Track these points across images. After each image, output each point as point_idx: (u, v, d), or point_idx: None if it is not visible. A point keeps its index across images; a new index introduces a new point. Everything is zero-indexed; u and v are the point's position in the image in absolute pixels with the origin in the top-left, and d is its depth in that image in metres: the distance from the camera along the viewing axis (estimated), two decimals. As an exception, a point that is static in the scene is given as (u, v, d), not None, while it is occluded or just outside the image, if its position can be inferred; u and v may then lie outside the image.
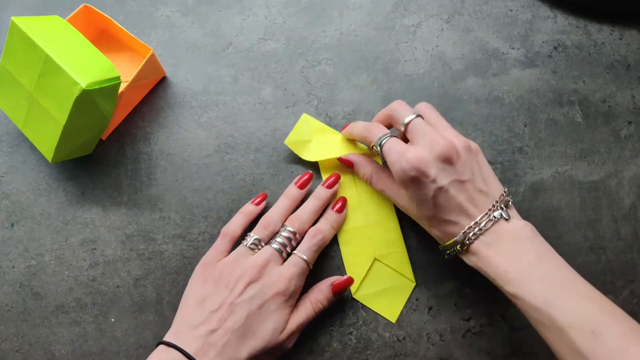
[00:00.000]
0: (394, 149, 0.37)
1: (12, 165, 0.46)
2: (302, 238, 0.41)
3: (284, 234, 0.40)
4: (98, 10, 0.44)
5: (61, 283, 0.43)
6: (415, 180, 0.35)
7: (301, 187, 0.43)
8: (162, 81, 0.48)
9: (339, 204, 0.43)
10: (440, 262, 0.43)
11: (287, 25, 0.49)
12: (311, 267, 0.40)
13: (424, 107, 0.39)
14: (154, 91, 0.47)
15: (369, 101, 0.47)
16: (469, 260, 0.36)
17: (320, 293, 0.40)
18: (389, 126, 0.41)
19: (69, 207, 0.45)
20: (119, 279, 0.43)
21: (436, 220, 0.37)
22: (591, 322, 0.30)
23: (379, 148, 0.38)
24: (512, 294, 0.33)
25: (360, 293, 0.42)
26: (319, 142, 0.45)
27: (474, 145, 0.38)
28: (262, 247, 0.40)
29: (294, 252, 0.40)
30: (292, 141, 0.45)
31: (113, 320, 0.43)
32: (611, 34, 0.49)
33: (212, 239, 0.44)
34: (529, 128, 0.46)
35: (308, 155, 0.44)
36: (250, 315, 0.36)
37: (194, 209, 0.45)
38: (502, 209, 0.35)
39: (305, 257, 0.39)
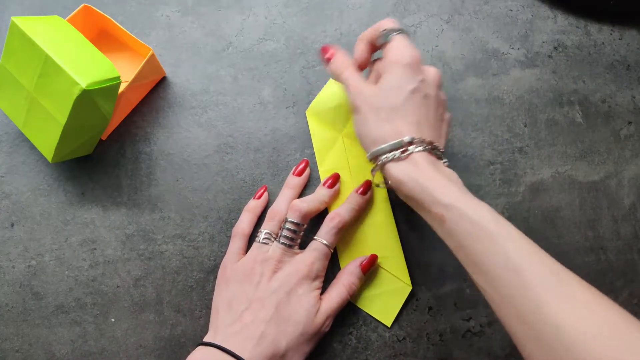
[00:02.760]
0: (405, 40, 0.37)
1: (12, 165, 0.46)
2: (306, 223, 0.41)
3: (287, 226, 0.40)
4: (98, 10, 0.44)
5: (61, 283, 0.43)
6: (409, 66, 0.36)
7: (299, 174, 0.43)
8: (162, 81, 0.48)
9: (362, 188, 0.43)
10: (440, 262, 0.43)
11: (287, 25, 0.49)
12: (332, 250, 0.41)
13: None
14: (154, 91, 0.47)
15: (369, 101, 0.47)
16: (399, 168, 0.35)
17: (351, 275, 0.41)
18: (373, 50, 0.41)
19: (69, 207, 0.45)
20: (119, 279, 0.43)
21: (391, 114, 0.36)
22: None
23: (390, 35, 0.38)
24: (446, 205, 0.32)
25: (356, 296, 0.42)
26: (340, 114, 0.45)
27: (445, 97, 0.39)
28: (274, 238, 0.40)
29: (315, 237, 0.40)
30: (314, 112, 0.45)
31: (113, 320, 0.43)
32: (611, 34, 0.49)
33: (212, 239, 0.44)
34: (529, 128, 0.46)
35: (328, 132, 0.45)
36: (280, 305, 0.37)
37: (194, 209, 0.45)
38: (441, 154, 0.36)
39: (324, 241, 0.40)
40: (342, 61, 0.40)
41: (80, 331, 0.42)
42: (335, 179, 0.43)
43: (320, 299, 0.39)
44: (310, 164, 0.45)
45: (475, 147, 0.46)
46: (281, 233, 0.40)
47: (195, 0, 0.50)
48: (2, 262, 0.44)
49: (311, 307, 0.38)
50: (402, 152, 0.35)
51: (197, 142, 0.46)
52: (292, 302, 0.37)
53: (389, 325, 0.42)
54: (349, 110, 0.44)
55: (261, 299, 0.37)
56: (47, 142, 0.41)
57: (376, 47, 0.40)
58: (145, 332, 0.42)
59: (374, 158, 0.36)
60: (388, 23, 0.38)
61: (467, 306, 0.42)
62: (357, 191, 0.42)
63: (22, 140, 0.46)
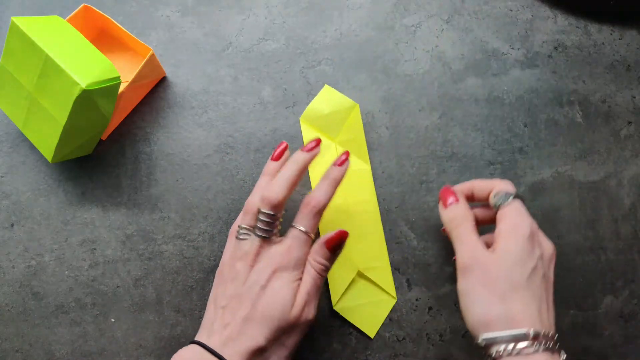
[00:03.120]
0: (522, 208, 0.36)
1: (12, 165, 0.46)
2: (281, 213, 0.38)
3: (261, 217, 0.37)
4: (98, 10, 0.44)
5: (61, 283, 0.43)
6: (530, 239, 0.34)
7: (277, 159, 0.40)
8: (162, 81, 0.48)
9: (342, 157, 0.40)
10: (439, 262, 0.43)
11: (287, 25, 0.49)
12: (312, 236, 0.38)
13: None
14: (154, 91, 0.47)
15: (369, 101, 0.47)
16: None
17: (316, 254, 0.38)
18: (471, 199, 0.40)
19: (69, 207, 0.45)
20: (119, 279, 0.43)
21: (509, 292, 0.32)
22: None
23: (509, 199, 0.36)
24: None
25: (341, 305, 0.42)
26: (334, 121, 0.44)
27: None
28: (252, 232, 0.38)
29: (292, 224, 0.38)
30: (308, 118, 0.44)
31: (113, 320, 0.43)
32: (611, 34, 0.49)
33: (212, 239, 0.44)
34: (529, 128, 0.46)
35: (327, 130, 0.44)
36: (255, 300, 0.36)
37: (194, 209, 0.45)
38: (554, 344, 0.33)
39: (302, 228, 0.37)
40: (463, 212, 0.37)
41: (80, 331, 0.42)
42: (317, 143, 0.40)
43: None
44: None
45: (475, 147, 0.46)
46: (257, 225, 0.38)
47: (195, 0, 0.50)
48: (2, 262, 0.44)
49: (287, 301, 0.36)
50: (525, 347, 0.31)
51: (197, 142, 0.46)
52: (267, 296, 0.36)
53: (372, 337, 0.42)
54: (343, 118, 0.44)
55: (239, 295, 0.36)
56: (47, 142, 0.41)
57: (476, 200, 0.39)
58: (145, 332, 0.42)
59: (487, 346, 0.32)
60: (506, 186, 0.37)
61: (467, 306, 0.42)
62: (335, 163, 0.39)
63: (22, 140, 0.46)
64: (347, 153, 0.40)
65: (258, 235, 0.37)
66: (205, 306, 0.40)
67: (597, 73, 0.48)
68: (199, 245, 0.44)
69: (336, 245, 0.38)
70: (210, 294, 0.39)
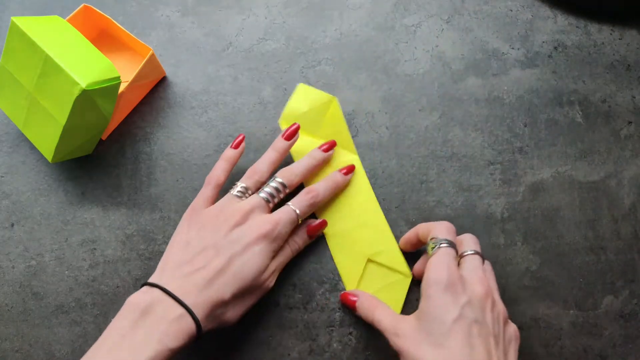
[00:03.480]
0: (451, 255, 0.35)
1: (12, 165, 0.46)
2: (291, 193, 0.41)
3: (273, 184, 0.40)
4: (98, 10, 0.44)
5: (61, 283, 0.43)
6: (449, 288, 0.32)
7: (288, 138, 0.42)
8: (162, 81, 0.48)
9: (346, 169, 0.43)
10: (440, 262, 0.43)
11: (287, 25, 0.49)
12: (300, 221, 0.40)
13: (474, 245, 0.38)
14: (154, 91, 0.47)
15: (369, 101, 0.47)
16: None
17: (297, 236, 0.41)
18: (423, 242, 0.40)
19: (69, 207, 0.45)
20: (119, 279, 0.43)
21: (438, 352, 0.32)
22: None
23: (444, 244, 0.35)
24: None
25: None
26: (315, 119, 0.44)
27: (516, 332, 0.35)
28: (249, 195, 0.40)
29: (288, 203, 0.40)
30: (288, 120, 0.44)
31: (113, 320, 0.43)
32: (611, 34, 0.49)
33: (212, 239, 0.44)
34: (529, 128, 0.46)
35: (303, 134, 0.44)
36: (233, 256, 0.36)
37: (194, 209, 0.45)
38: None
39: (296, 209, 0.39)
40: (368, 303, 0.38)
41: (80, 331, 0.42)
42: (331, 145, 0.43)
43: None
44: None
45: (475, 147, 0.46)
46: (264, 188, 0.40)
47: (195, 0, 0.50)
48: (2, 262, 0.44)
49: (262, 267, 0.37)
50: None
51: (197, 142, 0.46)
52: (245, 257, 0.37)
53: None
54: (322, 113, 0.44)
55: (217, 246, 0.37)
56: (47, 142, 0.41)
57: (422, 243, 0.39)
58: (145, 332, 0.42)
59: None
60: (442, 231, 0.36)
61: (467, 306, 0.42)
62: (340, 171, 0.43)
63: (22, 140, 0.46)
64: (352, 166, 0.44)
65: (262, 196, 0.39)
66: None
67: (597, 73, 0.48)
68: (199, 245, 0.44)
69: (316, 232, 0.42)
70: (178, 235, 0.39)
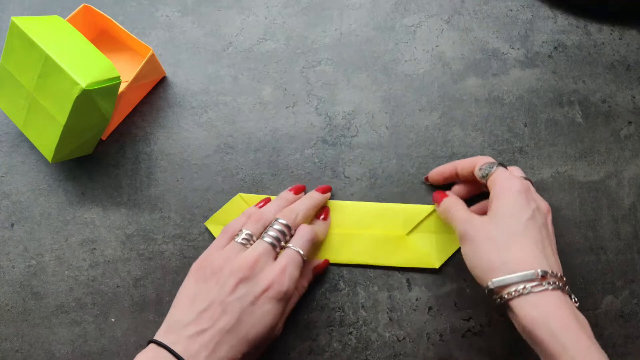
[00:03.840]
0: (507, 172, 0.38)
1: (12, 165, 0.46)
2: (294, 231, 0.40)
3: (276, 226, 0.38)
4: (98, 10, 0.44)
5: (61, 283, 0.43)
6: (523, 193, 0.36)
7: (295, 192, 0.43)
8: (162, 81, 0.48)
9: (324, 214, 0.44)
10: (440, 262, 0.43)
11: (287, 25, 0.49)
12: (305, 259, 0.38)
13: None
14: (154, 91, 0.47)
15: (369, 101, 0.47)
16: (534, 307, 0.32)
17: (304, 279, 0.41)
18: (454, 177, 0.43)
19: (69, 207, 0.45)
20: (119, 279, 0.43)
21: (510, 242, 0.34)
22: None
23: (494, 168, 0.38)
24: None
25: (414, 234, 0.43)
26: None
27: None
28: (254, 241, 0.38)
29: (288, 245, 0.38)
30: (215, 223, 0.44)
31: (113, 320, 0.43)
32: (611, 34, 0.49)
33: (212, 239, 0.44)
34: (529, 128, 0.46)
35: None
36: (242, 315, 0.35)
37: (194, 209, 0.45)
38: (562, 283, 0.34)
39: (299, 249, 0.38)
40: (454, 200, 0.40)
41: (80, 331, 0.42)
42: (327, 189, 0.44)
43: None
44: None
45: (475, 147, 0.46)
46: (267, 232, 0.38)
47: (195, 0, 0.50)
48: (2, 262, 0.44)
49: (273, 323, 0.36)
50: (535, 286, 0.32)
51: (197, 142, 0.46)
52: (255, 314, 0.35)
53: (437, 267, 0.42)
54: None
55: (223, 303, 0.35)
56: (47, 142, 0.41)
57: (460, 178, 0.42)
58: (145, 332, 0.42)
59: (498, 290, 0.33)
60: (488, 158, 0.40)
61: (467, 306, 0.42)
62: (317, 190, 0.43)
63: (22, 140, 0.46)
64: (328, 186, 0.44)
65: (267, 241, 0.37)
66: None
67: (597, 73, 0.48)
68: (199, 245, 0.44)
69: (321, 272, 0.43)
70: (185, 288, 0.37)
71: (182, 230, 0.44)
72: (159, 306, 0.43)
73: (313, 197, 0.42)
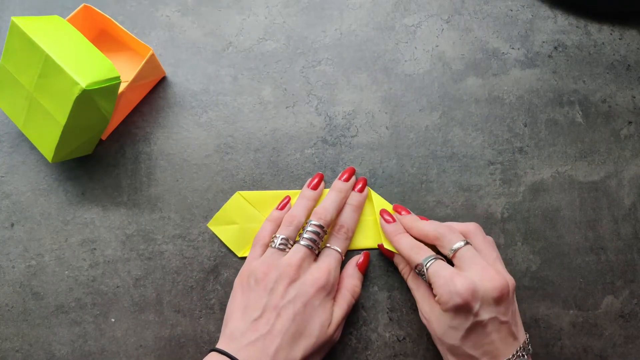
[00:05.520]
0: (441, 272, 0.36)
1: (12, 165, 0.46)
2: (328, 229, 0.41)
3: (310, 228, 0.40)
4: (98, 10, 0.44)
5: (61, 283, 0.43)
6: (458, 309, 0.34)
7: (314, 188, 0.43)
8: (162, 81, 0.48)
9: (360, 184, 0.44)
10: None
11: (287, 25, 0.49)
12: (344, 257, 0.41)
13: (473, 229, 0.39)
14: (154, 91, 0.47)
15: (369, 101, 0.47)
16: None
17: (352, 278, 0.41)
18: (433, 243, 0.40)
19: (69, 207, 0.45)
20: (119, 279, 0.43)
21: (459, 351, 0.35)
22: None
23: (425, 269, 0.37)
24: None
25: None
26: (247, 229, 0.44)
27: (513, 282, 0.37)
28: (291, 245, 0.39)
29: (327, 245, 0.41)
30: (217, 224, 0.44)
31: (113, 320, 0.43)
32: (611, 34, 0.49)
33: (212, 239, 0.44)
34: (529, 128, 0.46)
35: (235, 246, 0.43)
36: (297, 316, 0.36)
37: (194, 209, 0.45)
38: (523, 356, 0.35)
39: (337, 248, 0.40)
40: (405, 247, 0.40)
41: (80, 331, 0.42)
42: (351, 173, 0.44)
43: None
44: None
45: (475, 147, 0.46)
46: (303, 235, 0.39)
47: (195, 0, 0.50)
48: (2, 262, 0.44)
49: (325, 320, 0.37)
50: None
51: (197, 142, 0.46)
52: (308, 314, 0.36)
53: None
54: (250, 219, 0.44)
55: (277, 307, 0.36)
56: (47, 142, 0.41)
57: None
58: (145, 332, 0.42)
59: None
60: (425, 250, 0.38)
61: (467, 306, 0.42)
62: (355, 189, 0.43)
63: (22, 140, 0.46)
64: (364, 179, 0.44)
65: (305, 245, 0.39)
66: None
67: (597, 73, 0.48)
68: (199, 245, 0.44)
69: (366, 267, 0.42)
70: (234, 301, 0.38)
71: (182, 230, 0.44)
72: (159, 306, 0.43)
73: (340, 190, 0.42)
